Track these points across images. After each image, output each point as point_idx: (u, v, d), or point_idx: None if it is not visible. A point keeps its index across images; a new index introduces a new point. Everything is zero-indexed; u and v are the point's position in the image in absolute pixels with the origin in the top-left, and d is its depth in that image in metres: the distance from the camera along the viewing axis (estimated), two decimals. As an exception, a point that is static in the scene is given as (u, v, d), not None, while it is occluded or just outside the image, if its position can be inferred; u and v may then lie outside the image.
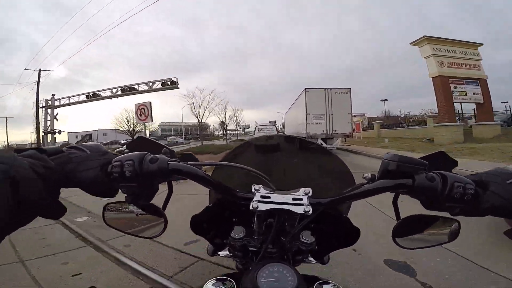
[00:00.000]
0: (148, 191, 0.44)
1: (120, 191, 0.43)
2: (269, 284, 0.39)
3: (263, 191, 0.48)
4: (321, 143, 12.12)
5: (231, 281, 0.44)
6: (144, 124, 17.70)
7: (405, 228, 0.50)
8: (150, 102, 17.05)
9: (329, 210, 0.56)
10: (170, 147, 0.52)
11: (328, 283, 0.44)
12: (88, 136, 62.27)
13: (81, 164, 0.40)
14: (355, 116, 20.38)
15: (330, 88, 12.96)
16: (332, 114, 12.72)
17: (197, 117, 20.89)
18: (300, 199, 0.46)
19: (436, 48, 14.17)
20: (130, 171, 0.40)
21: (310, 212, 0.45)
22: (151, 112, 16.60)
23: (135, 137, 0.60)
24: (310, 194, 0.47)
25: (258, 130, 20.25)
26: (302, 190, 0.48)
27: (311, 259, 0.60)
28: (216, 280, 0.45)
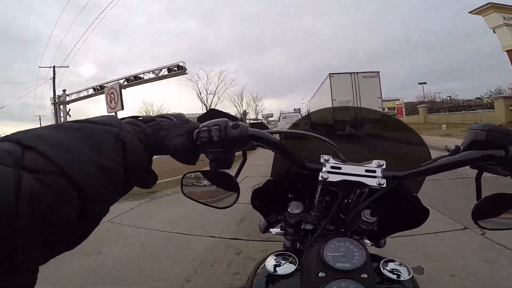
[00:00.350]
0: (230, 157, 0.45)
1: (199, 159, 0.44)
2: (336, 259, 0.38)
3: (332, 161, 0.46)
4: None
5: (293, 256, 0.43)
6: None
7: (488, 208, 0.46)
8: (120, 83, 14.31)
9: (399, 187, 0.52)
10: None
11: (394, 261, 0.43)
12: None
13: (170, 131, 0.41)
14: (388, 100, 19.15)
15: (357, 73, 12.43)
16: (360, 99, 12.18)
17: (204, 104, 19.66)
18: (374, 171, 0.44)
19: (508, 17, 12.41)
20: (218, 136, 0.41)
21: (384, 185, 0.42)
22: (121, 97, 13.56)
23: (207, 110, 0.63)
24: (384, 166, 0.45)
25: (283, 118, 19.87)
26: (375, 162, 0.45)
27: (367, 241, 0.57)
28: (277, 255, 0.45)
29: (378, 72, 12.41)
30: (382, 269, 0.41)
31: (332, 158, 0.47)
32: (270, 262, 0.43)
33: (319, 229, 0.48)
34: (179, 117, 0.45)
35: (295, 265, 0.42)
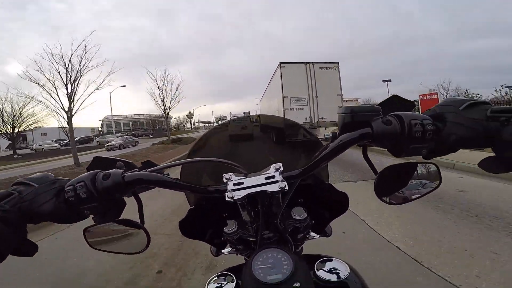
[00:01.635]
0: (113, 207, 0.44)
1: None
2: (265, 271, 0.38)
3: (234, 178, 0.45)
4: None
5: (231, 276, 0.45)
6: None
7: (387, 183, 0.48)
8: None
9: (309, 181, 0.55)
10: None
11: (331, 259, 0.45)
12: (21, 137, 53.09)
13: (35, 200, 0.39)
14: (346, 101, 17.32)
15: (313, 63, 9.79)
16: (316, 96, 9.63)
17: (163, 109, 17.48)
18: (273, 177, 0.44)
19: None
20: (85, 192, 0.40)
21: (286, 188, 0.43)
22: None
23: (92, 159, 0.53)
24: (281, 169, 0.45)
25: (233, 121, 19.01)
26: (272, 167, 0.45)
27: (313, 234, 0.57)
28: (217, 276, 0.45)
29: (338, 63, 9.96)
30: (317, 271, 0.43)
31: (234, 174, 0.46)
32: (211, 286, 0.44)
33: (258, 240, 0.48)
34: (42, 179, 0.42)
35: (234, 283, 0.44)
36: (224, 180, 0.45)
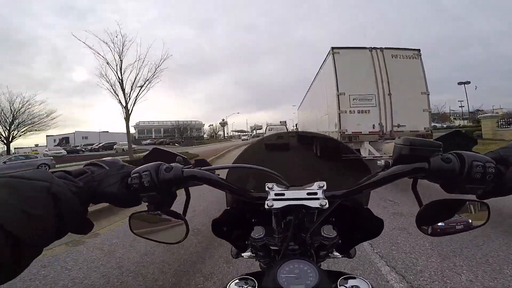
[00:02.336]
0: (167, 198, 0.46)
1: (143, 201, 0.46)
2: (289, 281, 0.39)
3: (276, 188, 0.48)
4: (369, 152, 5.97)
5: (253, 280, 0.45)
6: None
7: (430, 215, 0.47)
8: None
9: (347, 202, 0.56)
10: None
11: (354, 278, 0.44)
12: (64, 139, 59.24)
13: (103, 181, 0.43)
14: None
15: (381, 48, 6.84)
16: (390, 95, 6.50)
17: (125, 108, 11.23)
18: (315, 193, 0.45)
19: None
20: (148, 181, 0.43)
21: (327, 206, 0.44)
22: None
23: (151, 149, 0.58)
24: (325, 187, 0.46)
25: (269, 130, 19.28)
26: (316, 184, 0.47)
27: (337, 253, 0.58)
28: (239, 279, 0.46)
29: (419, 50, 6.84)
30: (339, 287, 0.42)
31: (276, 185, 0.48)
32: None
33: (282, 250, 0.48)
34: (113, 163, 0.46)
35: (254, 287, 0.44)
36: (267, 188, 0.48)
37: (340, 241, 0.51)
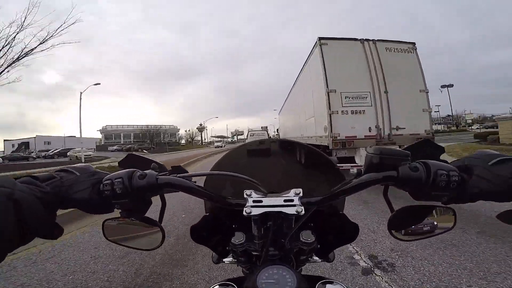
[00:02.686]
0: (140, 205, 0.46)
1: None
2: (269, 286, 0.39)
3: (254, 195, 0.48)
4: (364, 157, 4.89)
5: (234, 286, 0.46)
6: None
7: (401, 220, 0.50)
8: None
9: (323, 208, 0.57)
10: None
11: (332, 282, 0.46)
12: (24, 144, 54.82)
13: (73, 186, 0.42)
14: None
15: (374, 40, 5.98)
16: (386, 92, 5.61)
17: None
18: (292, 200, 0.46)
19: None
20: (121, 188, 0.42)
21: (303, 212, 0.45)
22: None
23: (126, 155, 0.56)
24: (301, 194, 0.48)
25: (250, 135, 19.43)
26: (292, 191, 0.48)
27: (316, 258, 0.60)
28: (219, 285, 0.46)
29: (414, 43, 6.08)
30: None
31: (254, 192, 0.49)
32: None
33: (262, 255, 0.49)
34: (84, 170, 0.45)
35: None
36: (245, 195, 0.48)
37: (318, 246, 0.53)
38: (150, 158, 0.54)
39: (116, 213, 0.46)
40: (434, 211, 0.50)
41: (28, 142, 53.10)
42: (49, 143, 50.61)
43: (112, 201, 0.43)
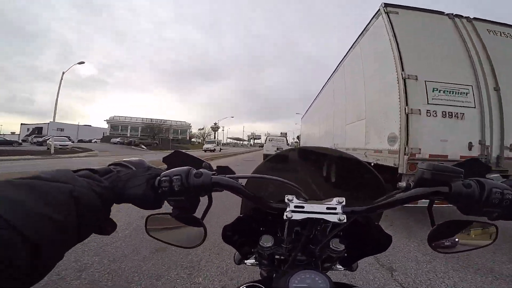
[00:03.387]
0: (193, 203, 0.46)
1: (165, 203, 0.45)
2: None
3: (296, 201, 0.48)
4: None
5: (261, 287, 0.47)
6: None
7: (441, 234, 0.50)
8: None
9: (360, 218, 0.57)
10: None
11: None
12: (37, 129, 55.94)
13: (129, 181, 0.42)
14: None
15: (470, 18, 3.91)
16: (497, 90, 3.40)
17: None
18: (334, 208, 0.46)
19: None
20: (179, 186, 0.42)
21: (345, 221, 0.45)
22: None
23: (172, 152, 0.55)
24: (344, 203, 0.47)
25: (269, 140, 18.92)
26: (335, 199, 0.48)
27: (339, 266, 0.60)
28: (247, 286, 0.47)
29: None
30: None
31: (296, 197, 0.49)
32: None
33: (290, 260, 0.50)
34: (139, 164, 0.45)
35: None
36: (286, 200, 0.48)
37: (345, 254, 0.52)
38: (198, 157, 0.53)
39: (161, 209, 0.46)
40: (475, 226, 0.50)
41: (42, 128, 52.78)
42: (62, 129, 49.14)
43: (168, 198, 0.43)
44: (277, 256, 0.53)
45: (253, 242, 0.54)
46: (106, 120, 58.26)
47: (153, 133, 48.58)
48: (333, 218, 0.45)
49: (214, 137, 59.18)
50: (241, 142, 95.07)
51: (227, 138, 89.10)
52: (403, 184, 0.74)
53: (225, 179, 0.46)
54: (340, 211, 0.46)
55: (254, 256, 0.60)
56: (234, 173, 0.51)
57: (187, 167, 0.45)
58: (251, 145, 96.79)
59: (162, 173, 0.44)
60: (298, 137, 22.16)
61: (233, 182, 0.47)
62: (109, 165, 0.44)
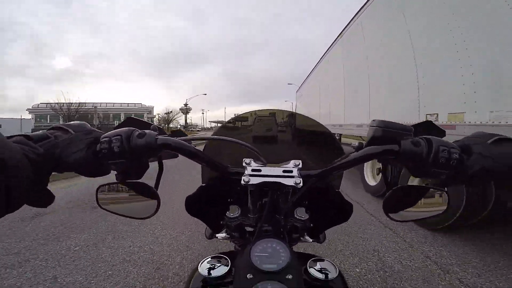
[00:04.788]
0: (137, 167, 0.43)
1: (112, 170, 0.43)
2: (262, 259, 0.40)
3: (254, 164, 0.48)
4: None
5: (226, 259, 0.47)
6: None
7: (395, 201, 0.49)
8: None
9: (320, 184, 0.56)
10: None
11: (322, 260, 0.49)
12: None
13: (68, 147, 0.39)
14: None
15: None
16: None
17: None
18: (291, 171, 0.46)
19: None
20: (118, 147, 0.39)
21: (301, 184, 0.45)
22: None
23: (124, 119, 0.51)
24: (300, 166, 0.48)
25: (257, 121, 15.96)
26: (292, 162, 0.48)
27: (308, 238, 0.59)
28: (212, 258, 0.48)
29: None
30: (309, 268, 0.47)
31: (254, 161, 0.49)
32: (203, 266, 0.47)
33: (256, 230, 0.48)
34: (79, 127, 0.42)
35: (228, 267, 0.46)
36: (244, 164, 0.48)
37: (311, 225, 0.53)
38: (149, 122, 0.50)
39: (112, 177, 0.44)
40: (429, 193, 0.49)
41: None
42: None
43: (109, 161, 0.40)
44: (247, 228, 0.53)
45: (221, 214, 0.52)
46: (29, 109, 42.44)
47: (67, 120, 30.95)
48: (289, 182, 0.45)
49: (185, 121, 46.03)
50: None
51: (209, 122, 77.00)
52: (355, 143, 0.51)
53: (175, 141, 0.43)
54: (297, 174, 0.46)
55: (225, 229, 0.58)
56: (186, 135, 0.49)
57: (131, 128, 0.42)
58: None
59: (102, 135, 0.41)
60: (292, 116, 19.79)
61: (184, 144, 0.44)
62: (47, 129, 0.41)
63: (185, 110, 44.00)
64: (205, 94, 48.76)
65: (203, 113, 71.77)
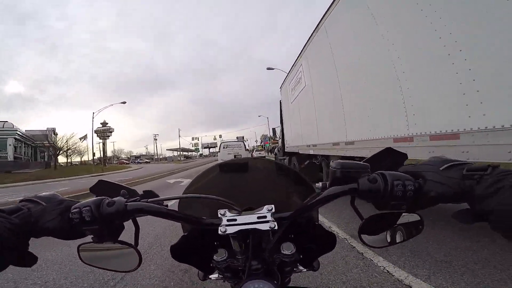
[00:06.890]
0: (112, 230, 0.46)
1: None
2: None
3: (229, 214, 0.50)
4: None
5: None
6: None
7: (371, 227, 0.52)
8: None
9: (298, 220, 0.57)
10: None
11: None
12: None
13: (41, 217, 0.42)
14: None
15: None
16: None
17: None
18: (265, 217, 0.48)
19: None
20: (89, 216, 0.42)
21: (276, 227, 0.47)
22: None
23: (96, 182, 0.54)
24: (273, 210, 0.49)
25: (223, 148, 16.64)
26: (265, 207, 0.50)
27: (301, 267, 0.61)
28: None
29: None
30: None
31: (228, 211, 0.51)
32: None
33: (246, 270, 0.50)
34: (50, 199, 0.45)
35: None
36: (219, 215, 0.50)
37: (301, 256, 0.54)
38: (120, 184, 0.54)
39: (89, 237, 0.46)
40: (402, 218, 0.52)
41: None
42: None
43: (83, 228, 0.43)
44: (237, 268, 0.54)
45: (210, 257, 0.53)
46: None
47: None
48: (265, 227, 0.46)
49: (103, 150, 32.74)
50: (190, 153, 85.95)
51: (167, 150, 77.50)
52: (319, 184, 0.52)
53: (145, 205, 0.47)
54: (271, 219, 0.47)
55: (216, 270, 0.59)
56: (158, 196, 0.51)
57: (101, 197, 0.45)
58: (201, 155, 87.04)
59: (73, 206, 0.44)
60: (275, 132, 18.41)
61: (154, 206, 0.47)
62: (19, 202, 0.44)
63: (103, 131, 27.65)
64: (125, 102, 31.44)
65: (155, 139, 64.25)
